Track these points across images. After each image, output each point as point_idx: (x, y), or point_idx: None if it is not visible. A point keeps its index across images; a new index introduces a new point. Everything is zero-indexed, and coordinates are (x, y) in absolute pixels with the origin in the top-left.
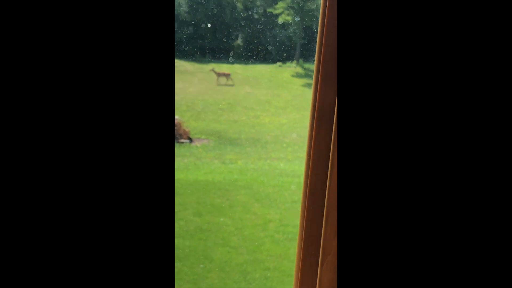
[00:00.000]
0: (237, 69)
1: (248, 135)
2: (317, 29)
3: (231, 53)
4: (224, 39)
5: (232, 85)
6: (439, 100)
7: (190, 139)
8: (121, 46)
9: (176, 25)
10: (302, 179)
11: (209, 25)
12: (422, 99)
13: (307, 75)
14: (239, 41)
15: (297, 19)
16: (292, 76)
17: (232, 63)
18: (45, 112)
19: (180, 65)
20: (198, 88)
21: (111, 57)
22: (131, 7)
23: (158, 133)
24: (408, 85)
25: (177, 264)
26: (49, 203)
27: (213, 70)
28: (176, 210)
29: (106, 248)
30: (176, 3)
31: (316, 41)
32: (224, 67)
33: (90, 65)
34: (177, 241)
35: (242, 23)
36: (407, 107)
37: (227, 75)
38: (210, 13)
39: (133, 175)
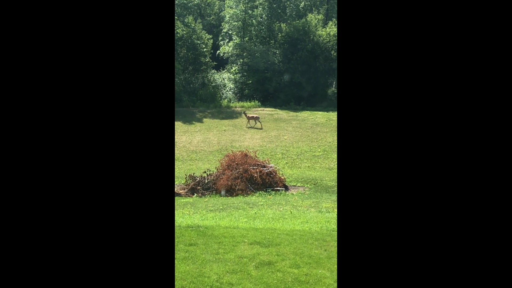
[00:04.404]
0: (332, 116)
1: None
2: None
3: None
4: (318, 87)
5: (260, 128)
6: (438, 100)
7: (286, 187)
8: (123, 48)
9: (270, 75)
10: None
11: (303, 74)
12: (422, 106)
13: None
14: (333, 88)
15: None
16: None
17: (327, 110)
18: (53, 123)
19: (275, 113)
20: (293, 135)
21: (111, 60)
22: (132, 10)
23: (158, 134)
24: (409, 88)
25: None
26: (54, 211)
27: (244, 113)
28: (273, 260)
29: (106, 253)
30: (270, 53)
31: None
32: (318, 115)
33: (90, 66)
34: None
35: (337, 70)
36: (407, 109)
37: (256, 118)
38: (304, 62)
39: (134, 178)
